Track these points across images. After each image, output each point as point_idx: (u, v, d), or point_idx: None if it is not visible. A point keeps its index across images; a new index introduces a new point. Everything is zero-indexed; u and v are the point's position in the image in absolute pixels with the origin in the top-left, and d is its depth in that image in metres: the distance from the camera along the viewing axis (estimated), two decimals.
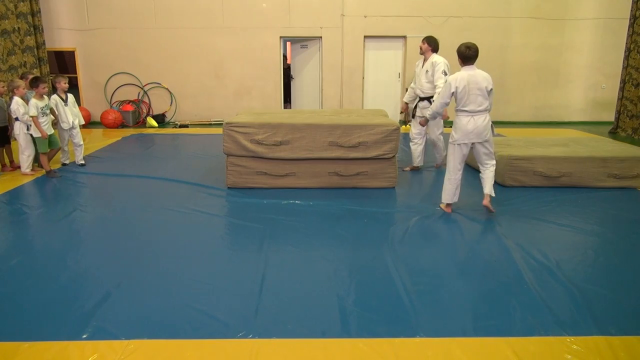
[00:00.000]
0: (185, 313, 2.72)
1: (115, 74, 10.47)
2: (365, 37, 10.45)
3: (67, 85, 6.21)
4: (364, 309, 2.77)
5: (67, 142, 6.38)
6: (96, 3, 10.05)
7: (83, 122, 6.58)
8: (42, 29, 9.52)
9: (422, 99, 5.76)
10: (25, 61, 8.97)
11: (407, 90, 6.02)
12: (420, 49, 5.75)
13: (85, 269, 3.31)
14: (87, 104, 10.57)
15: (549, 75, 10.73)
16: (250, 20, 10.25)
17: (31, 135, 5.77)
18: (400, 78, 10.90)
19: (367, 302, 2.85)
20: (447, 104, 4.29)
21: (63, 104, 6.15)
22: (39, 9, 9.42)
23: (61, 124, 6.19)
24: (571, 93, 10.88)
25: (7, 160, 6.23)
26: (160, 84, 10.57)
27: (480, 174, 4.48)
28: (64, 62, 11.08)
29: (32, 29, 9.13)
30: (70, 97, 6.30)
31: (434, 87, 5.51)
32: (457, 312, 2.75)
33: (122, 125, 10.12)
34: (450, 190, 4.45)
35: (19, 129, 5.76)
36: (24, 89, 5.75)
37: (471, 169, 6.25)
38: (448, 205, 4.54)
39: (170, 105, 10.71)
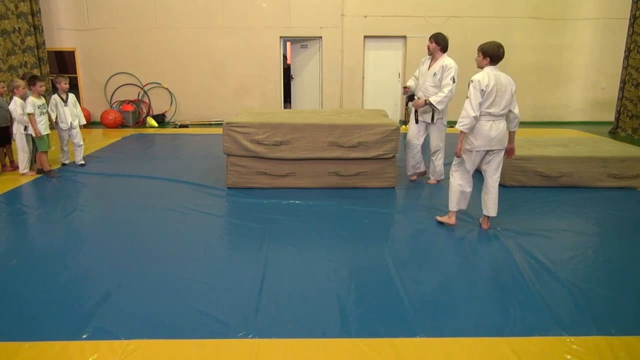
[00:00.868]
0: (185, 313, 2.72)
1: (115, 74, 10.47)
2: (365, 37, 10.45)
3: (67, 85, 6.21)
4: (364, 309, 2.77)
5: (67, 142, 6.38)
6: (96, 3, 10.04)
7: (84, 122, 6.57)
8: (42, 29, 9.52)
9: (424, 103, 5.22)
10: (26, 61, 8.97)
11: (411, 79, 5.53)
12: (428, 48, 5.09)
13: (85, 269, 3.31)
14: (87, 104, 10.57)
15: (549, 75, 10.73)
16: (250, 20, 10.25)
17: (31, 135, 5.78)
18: (400, 78, 10.90)
19: (367, 302, 2.85)
20: (480, 104, 3.73)
21: (63, 104, 6.16)
22: (39, 9, 9.42)
23: (60, 124, 6.20)
24: (571, 93, 10.88)
25: (7, 161, 6.24)
26: (160, 84, 10.57)
27: (485, 191, 4.06)
28: (64, 62, 11.08)
29: (32, 29, 9.13)
30: (71, 97, 6.30)
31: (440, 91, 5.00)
32: (457, 312, 2.75)
33: (122, 125, 10.12)
34: (464, 196, 4.09)
35: (16, 129, 5.78)
36: (23, 88, 5.75)
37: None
38: (453, 213, 4.17)
39: (170, 105, 10.71)
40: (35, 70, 9.16)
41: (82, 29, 10.17)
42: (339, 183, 5.32)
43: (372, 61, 10.74)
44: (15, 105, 5.65)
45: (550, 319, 2.67)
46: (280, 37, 10.48)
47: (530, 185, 5.37)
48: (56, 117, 6.18)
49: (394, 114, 10.77)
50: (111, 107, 10.46)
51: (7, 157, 6.24)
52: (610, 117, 10.20)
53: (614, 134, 9.33)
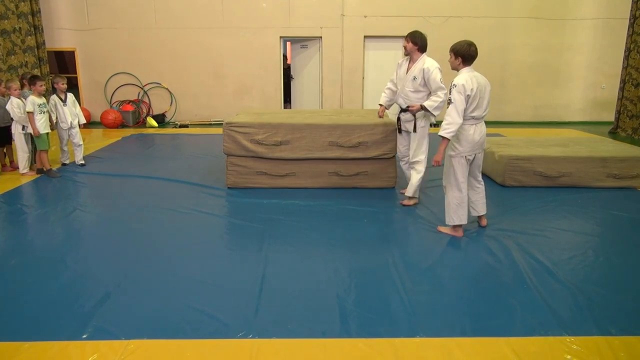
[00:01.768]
0: (185, 313, 2.72)
1: (115, 74, 10.47)
2: (365, 37, 10.45)
3: (65, 85, 6.21)
4: (364, 309, 2.77)
5: (67, 142, 6.38)
6: (96, 3, 10.05)
7: (84, 122, 6.58)
8: (42, 29, 9.53)
9: (405, 110, 4.64)
10: (26, 61, 8.97)
11: (385, 91, 4.87)
12: (405, 49, 4.58)
13: (85, 269, 3.31)
14: (87, 104, 10.57)
15: (549, 75, 10.73)
16: (250, 20, 10.26)
17: (30, 134, 5.78)
18: None
19: (367, 302, 2.85)
20: (464, 110, 3.60)
21: (62, 104, 6.16)
22: (39, 9, 9.42)
23: (60, 124, 6.20)
24: (571, 93, 10.88)
25: (7, 161, 6.24)
26: (160, 84, 10.57)
27: (472, 193, 3.98)
28: (64, 62, 11.08)
29: (32, 29, 9.13)
30: (70, 96, 6.30)
31: (426, 97, 4.48)
32: (457, 312, 2.75)
33: (122, 125, 10.12)
34: (463, 209, 3.85)
35: (14, 129, 5.78)
36: (15, 89, 5.73)
37: None
38: (459, 227, 3.94)
39: (170, 105, 10.71)
40: (36, 70, 9.16)
41: (82, 29, 10.17)
42: (339, 183, 5.32)
43: (372, 61, 10.74)
44: (12, 106, 5.64)
45: (550, 319, 2.67)
46: (280, 37, 10.48)
47: (530, 185, 5.37)
48: (56, 117, 6.18)
49: (394, 114, 10.76)
50: (111, 107, 10.46)
51: (7, 157, 6.25)
52: (610, 117, 10.20)
53: (614, 134, 9.33)
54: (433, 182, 5.65)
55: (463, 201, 3.84)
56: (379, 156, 5.22)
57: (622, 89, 9.29)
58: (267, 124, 5.14)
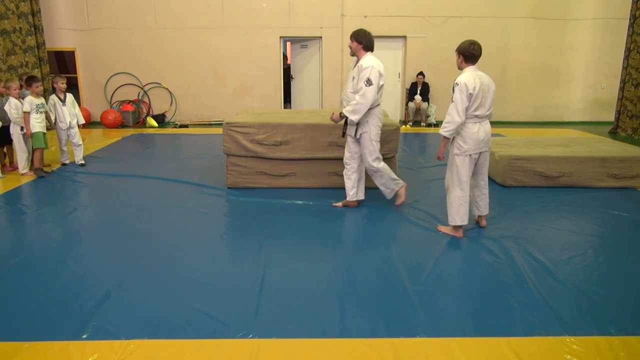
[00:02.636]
0: (185, 313, 2.72)
1: (115, 74, 10.47)
2: None
3: (64, 85, 6.20)
4: (364, 309, 2.77)
5: (66, 142, 6.37)
6: (96, 3, 10.05)
7: (83, 122, 6.57)
8: (42, 29, 9.53)
9: None
10: (26, 61, 8.97)
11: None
12: (350, 48, 4.22)
13: (85, 269, 3.31)
14: (87, 104, 10.57)
15: (549, 75, 10.73)
16: (250, 20, 10.26)
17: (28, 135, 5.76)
18: (400, 78, 10.90)
19: (367, 302, 2.85)
20: (467, 108, 3.62)
21: (61, 103, 6.15)
22: (39, 9, 9.42)
23: (59, 124, 6.20)
24: (571, 93, 10.89)
25: (7, 161, 6.24)
26: (160, 84, 10.57)
27: (477, 193, 3.98)
28: (64, 62, 11.08)
29: (32, 29, 9.13)
30: (70, 97, 6.29)
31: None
32: (457, 312, 2.75)
33: (122, 125, 10.12)
34: (465, 208, 3.84)
35: (13, 129, 5.76)
36: (15, 89, 5.72)
37: None
38: (459, 227, 3.93)
39: (170, 105, 10.71)
40: (36, 70, 9.16)
41: (82, 29, 10.17)
42: (339, 183, 5.30)
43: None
44: (10, 106, 5.62)
45: (550, 319, 2.67)
46: (280, 37, 10.48)
47: (530, 185, 5.37)
48: (55, 117, 6.17)
49: (394, 114, 10.77)
50: (111, 107, 10.46)
51: (7, 158, 6.24)
52: (610, 117, 10.20)
53: (614, 134, 9.33)
54: (433, 182, 5.65)
55: (465, 201, 3.83)
56: None
57: (622, 89, 9.30)
58: (267, 124, 5.14)
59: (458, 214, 3.86)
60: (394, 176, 4.52)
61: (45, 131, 5.90)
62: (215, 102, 10.69)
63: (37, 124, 5.74)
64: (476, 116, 3.67)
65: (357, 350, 2.39)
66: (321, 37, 10.43)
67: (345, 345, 2.43)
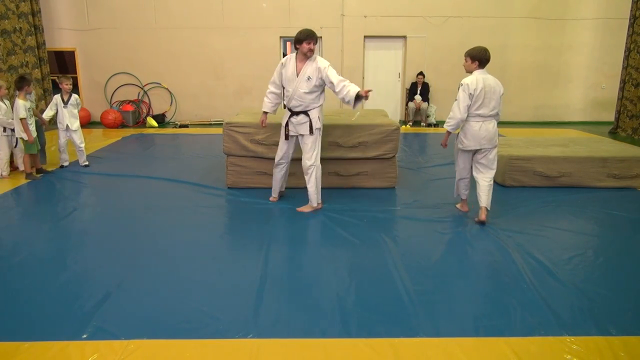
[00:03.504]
0: (185, 313, 2.72)
1: (115, 74, 10.47)
2: (365, 37, 10.46)
3: (69, 86, 6.10)
4: (364, 309, 2.77)
5: (66, 143, 6.25)
6: (96, 3, 10.05)
7: (75, 128, 6.19)
8: (42, 29, 9.52)
9: (297, 113, 4.37)
10: (27, 61, 8.97)
11: (268, 96, 4.57)
12: (312, 51, 4.23)
13: (85, 269, 3.31)
14: (87, 104, 10.57)
15: (549, 75, 10.73)
16: (250, 20, 10.26)
17: (16, 138, 5.72)
18: (400, 78, 10.90)
19: (367, 302, 2.85)
20: (468, 106, 3.97)
21: (62, 105, 6.10)
22: (39, 9, 9.42)
23: (58, 124, 6.15)
24: (571, 93, 10.89)
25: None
26: (160, 84, 10.57)
27: (477, 187, 4.19)
28: (64, 62, 11.08)
29: (32, 29, 9.13)
30: (74, 98, 6.14)
31: (319, 96, 4.34)
32: (457, 312, 2.75)
33: (122, 125, 10.12)
34: (463, 186, 4.44)
35: None
36: (6, 89, 5.68)
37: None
38: (463, 201, 4.52)
39: (170, 105, 10.71)
40: (36, 70, 9.16)
41: (82, 29, 10.17)
42: (339, 183, 5.31)
43: (372, 61, 10.75)
44: None
45: (550, 319, 2.67)
46: (280, 37, 10.48)
47: (530, 185, 5.37)
48: (55, 117, 6.15)
49: (394, 114, 10.77)
50: (111, 107, 10.46)
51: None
52: (610, 117, 10.20)
53: (614, 134, 9.33)
54: (433, 182, 5.65)
55: (459, 179, 4.39)
56: (378, 156, 5.22)
57: (622, 89, 9.29)
58: (267, 124, 5.13)
59: (460, 190, 4.46)
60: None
61: (36, 133, 5.76)
62: (215, 102, 10.69)
63: (32, 129, 5.64)
64: (479, 115, 4.02)
65: (357, 350, 2.39)
66: (321, 37, 10.42)
67: (345, 345, 2.43)
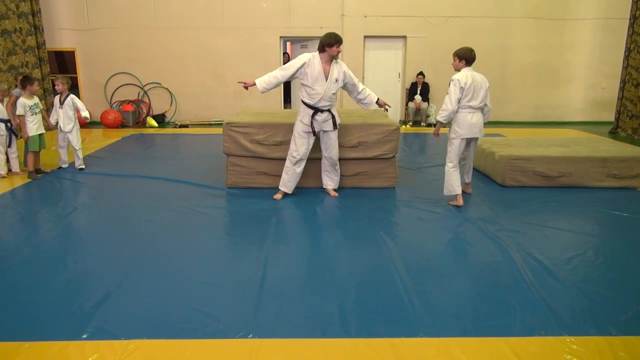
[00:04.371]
0: (185, 313, 2.72)
1: (115, 74, 10.48)
2: (365, 37, 10.46)
3: (60, 87, 5.98)
4: (364, 309, 2.77)
5: (65, 145, 6.19)
6: (96, 3, 10.05)
7: (68, 129, 6.07)
8: (42, 29, 9.52)
9: (322, 111, 4.63)
10: (27, 61, 8.97)
11: (270, 79, 4.90)
12: (338, 54, 4.57)
13: (86, 269, 3.31)
14: (87, 104, 10.51)
15: (549, 75, 10.73)
16: (250, 20, 10.26)
17: (11, 135, 5.71)
18: (400, 78, 10.90)
19: (367, 302, 2.85)
20: (459, 100, 4.47)
21: (58, 105, 6.03)
22: (39, 9, 9.42)
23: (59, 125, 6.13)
24: (571, 93, 10.89)
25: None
26: (160, 84, 10.57)
27: (465, 170, 4.94)
28: (64, 62, 11.09)
29: (32, 29, 9.13)
30: (69, 99, 6.02)
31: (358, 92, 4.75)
32: (457, 312, 2.75)
33: (122, 125, 10.12)
34: (457, 178, 4.63)
35: None
36: (7, 89, 5.68)
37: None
38: (459, 195, 4.67)
39: (170, 105, 10.71)
40: (36, 70, 9.16)
41: (82, 29, 10.17)
42: (339, 183, 5.31)
43: (372, 61, 10.75)
44: None
45: (550, 319, 2.67)
46: (280, 37, 10.48)
47: (530, 185, 5.37)
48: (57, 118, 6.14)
49: (394, 114, 10.77)
50: (111, 107, 10.47)
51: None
52: (610, 117, 10.20)
53: (614, 134, 9.33)
54: (433, 182, 5.65)
55: (455, 170, 4.65)
56: (379, 156, 5.22)
57: (622, 89, 9.30)
58: (267, 124, 5.14)
59: (453, 183, 4.65)
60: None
61: (41, 132, 5.79)
62: (215, 102, 10.69)
63: (32, 126, 5.66)
64: (470, 106, 4.51)
65: (357, 350, 2.39)
66: None
67: (345, 345, 2.43)
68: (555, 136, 7.25)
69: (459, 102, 4.47)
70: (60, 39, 10.23)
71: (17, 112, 5.55)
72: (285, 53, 12.15)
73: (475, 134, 4.61)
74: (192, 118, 10.69)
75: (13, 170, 5.90)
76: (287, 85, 11.54)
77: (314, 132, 4.70)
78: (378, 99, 4.84)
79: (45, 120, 6.01)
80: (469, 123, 4.54)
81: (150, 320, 2.64)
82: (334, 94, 4.62)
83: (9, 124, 5.72)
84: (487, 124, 4.59)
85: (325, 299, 2.89)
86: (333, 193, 5.04)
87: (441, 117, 4.57)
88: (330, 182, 5.05)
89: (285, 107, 11.49)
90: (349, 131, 5.14)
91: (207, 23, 10.23)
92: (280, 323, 2.62)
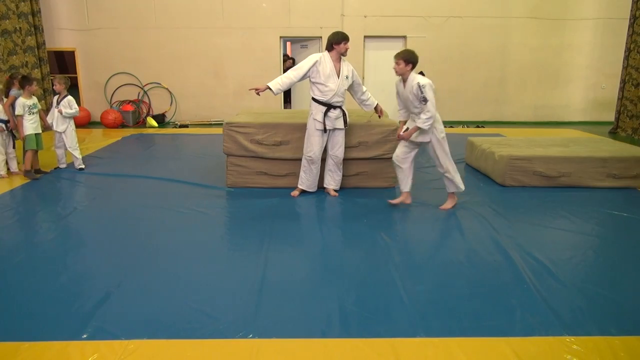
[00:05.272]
0: (185, 313, 2.72)
1: (115, 74, 10.47)
2: (365, 37, 10.45)
3: (57, 87, 5.95)
4: (364, 309, 2.77)
5: (62, 144, 6.13)
6: (96, 3, 10.05)
7: (61, 130, 6.00)
8: (42, 29, 9.53)
9: (335, 107, 4.80)
10: (27, 61, 8.98)
11: (284, 80, 4.75)
12: (345, 52, 4.92)
13: (85, 269, 3.31)
14: (87, 104, 10.57)
15: (549, 75, 10.73)
16: (250, 20, 10.26)
17: (12, 136, 5.71)
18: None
19: (367, 302, 2.85)
20: None
21: (55, 105, 6.00)
22: (39, 9, 9.42)
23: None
24: (571, 93, 10.88)
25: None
26: (160, 84, 10.57)
27: (405, 170, 4.55)
28: (64, 62, 11.09)
29: (32, 29, 9.13)
30: (65, 101, 5.95)
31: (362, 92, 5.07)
32: (457, 312, 2.75)
33: (122, 125, 10.12)
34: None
35: None
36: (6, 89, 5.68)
37: (469, 167, 6.26)
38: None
39: (170, 105, 10.71)
40: (36, 70, 9.16)
41: (82, 29, 10.17)
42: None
43: (372, 61, 10.74)
44: None
45: (550, 319, 2.67)
46: (280, 37, 10.48)
47: (530, 185, 5.37)
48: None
49: (394, 114, 10.76)
50: (111, 107, 10.46)
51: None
52: (610, 117, 10.20)
53: (614, 134, 9.33)
54: (433, 182, 5.65)
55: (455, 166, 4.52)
56: (378, 156, 5.22)
57: (622, 89, 9.30)
58: (267, 124, 5.14)
59: (460, 179, 4.50)
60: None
61: (39, 131, 5.76)
62: (215, 102, 10.69)
63: (29, 125, 5.64)
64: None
65: (357, 350, 2.39)
66: (321, 37, 10.42)
67: (345, 345, 2.43)
68: (555, 136, 7.25)
69: None
70: (60, 39, 10.23)
71: (17, 112, 5.55)
72: (290, 58, 12.13)
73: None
74: (192, 118, 10.69)
75: (12, 170, 5.90)
76: None
77: (325, 129, 4.76)
78: (377, 104, 5.13)
79: (42, 120, 5.99)
80: (440, 121, 4.43)
81: (150, 320, 2.64)
82: (345, 90, 4.82)
83: (8, 124, 5.73)
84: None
85: (325, 299, 2.89)
86: (333, 193, 5.04)
87: (427, 124, 4.20)
88: (332, 181, 5.05)
89: (285, 107, 11.49)
90: (349, 131, 5.14)
91: (207, 23, 10.23)
92: (280, 323, 2.62)
